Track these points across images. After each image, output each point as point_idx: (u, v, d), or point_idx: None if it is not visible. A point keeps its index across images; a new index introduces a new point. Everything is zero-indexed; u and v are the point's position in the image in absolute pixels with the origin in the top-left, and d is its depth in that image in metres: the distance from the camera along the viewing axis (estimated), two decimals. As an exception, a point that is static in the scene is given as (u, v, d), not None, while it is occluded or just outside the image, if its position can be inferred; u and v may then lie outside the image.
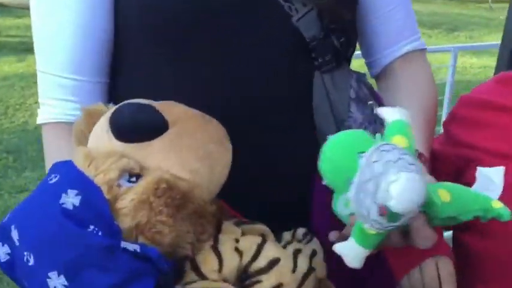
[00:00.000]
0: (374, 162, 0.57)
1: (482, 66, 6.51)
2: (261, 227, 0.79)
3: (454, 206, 0.64)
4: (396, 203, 0.56)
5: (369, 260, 0.66)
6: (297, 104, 0.88)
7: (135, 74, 0.88)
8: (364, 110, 0.89)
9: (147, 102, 0.73)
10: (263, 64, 0.85)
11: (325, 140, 0.86)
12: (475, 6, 12.81)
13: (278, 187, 0.87)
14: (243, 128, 0.81)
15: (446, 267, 0.83)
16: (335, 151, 0.62)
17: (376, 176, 0.57)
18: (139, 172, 0.69)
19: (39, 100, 0.91)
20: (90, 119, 0.77)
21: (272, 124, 0.86)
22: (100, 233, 0.63)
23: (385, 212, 0.57)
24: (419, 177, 0.57)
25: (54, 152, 0.88)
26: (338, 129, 0.85)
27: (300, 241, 0.81)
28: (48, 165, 0.86)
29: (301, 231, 0.83)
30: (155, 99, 0.75)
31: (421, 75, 0.98)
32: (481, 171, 0.68)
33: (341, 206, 0.62)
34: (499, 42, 2.23)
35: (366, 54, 1.00)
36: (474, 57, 6.89)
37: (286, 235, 0.82)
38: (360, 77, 0.92)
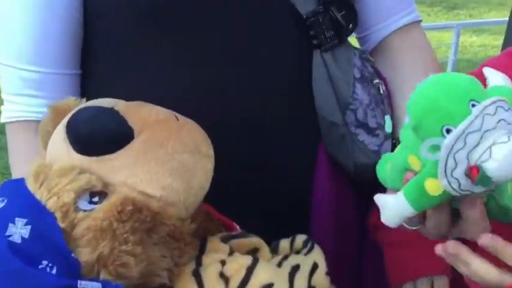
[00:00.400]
0: (487, 115, 0.52)
1: (482, 45, 6.39)
2: (253, 240, 0.70)
3: None
4: (496, 166, 0.51)
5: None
6: (296, 89, 0.80)
7: (110, 63, 0.78)
8: (370, 90, 0.82)
9: (111, 104, 0.62)
10: (256, 46, 0.77)
11: (328, 127, 0.79)
12: (473, -17, 12.65)
13: (277, 185, 0.80)
14: (234, 117, 0.74)
15: (440, 284, 0.78)
16: (441, 92, 0.54)
17: (485, 130, 0.52)
18: (103, 190, 0.59)
19: (2, 96, 0.80)
20: (58, 117, 0.66)
21: (269, 114, 0.78)
22: (54, 269, 0.55)
23: (476, 172, 0.51)
24: None
25: (18, 157, 0.79)
26: (343, 115, 0.79)
27: (299, 251, 0.72)
28: (13, 172, 0.78)
29: (300, 238, 0.74)
30: (133, 91, 0.67)
31: (421, 47, 0.91)
32: None
33: (424, 150, 0.54)
34: (501, 19, 2.12)
35: (360, 28, 0.91)
36: (474, 35, 6.77)
37: (284, 244, 0.73)
38: (362, 53, 0.85)
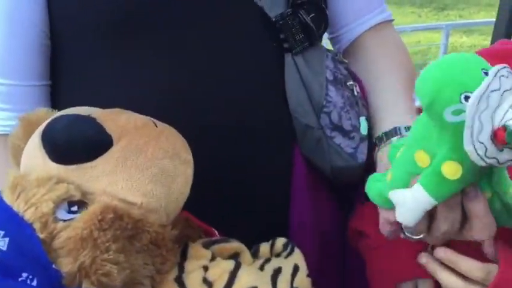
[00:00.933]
0: (502, 77, 0.52)
1: (472, 45, 6.41)
2: (235, 245, 0.69)
3: None
4: None
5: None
6: (270, 92, 0.79)
7: (80, 73, 0.77)
8: (344, 92, 0.81)
9: (87, 112, 0.62)
10: (225, 52, 0.76)
11: (303, 130, 0.79)
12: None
13: (254, 189, 0.79)
14: (208, 125, 0.73)
15: None
16: (452, 65, 0.55)
17: (504, 90, 0.52)
18: (82, 199, 0.58)
19: None
20: (29, 129, 0.65)
21: (244, 117, 0.77)
22: (35, 282, 0.54)
23: (503, 134, 0.50)
24: None
25: None
26: (318, 117, 0.78)
27: (279, 254, 0.72)
28: None
29: (280, 242, 0.73)
30: (104, 101, 0.65)
31: (394, 45, 0.90)
32: None
33: (448, 114, 0.53)
34: (489, 20, 2.13)
35: (331, 29, 0.91)
36: (464, 36, 6.80)
37: (264, 248, 0.73)
38: (335, 55, 0.84)
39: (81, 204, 0.58)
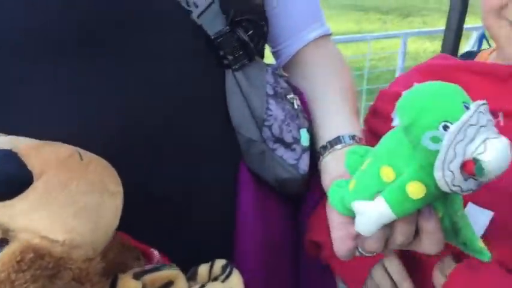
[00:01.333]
0: (480, 112, 0.55)
1: (435, 51, 6.53)
2: (168, 273, 0.67)
3: (463, 219, 0.64)
4: (491, 157, 0.53)
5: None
6: (212, 108, 0.80)
7: (6, 102, 0.72)
8: (285, 105, 0.82)
9: (8, 145, 0.59)
10: (165, 70, 0.74)
11: (247, 144, 0.80)
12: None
13: (200, 206, 0.79)
14: (150, 144, 0.72)
15: (393, 267, 0.81)
16: (436, 93, 0.58)
17: (480, 126, 0.55)
18: (4, 236, 0.56)
19: None
20: None
21: (185, 138, 0.77)
22: None
23: (472, 166, 0.54)
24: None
25: None
26: (260, 131, 0.79)
27: (216, 278, 0.71)
28: None
29: (219, 263, 0.73)
30: (31, 129, 0.63)
31: (333, 59, 0.93)
32: (471, 208, 0.70)
33: (426, 139, 0.56)
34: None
35: (271, 43, 0.93)
36: (427, 41, 6.93)
37: (202, 270, 0.72)
38: (275, 69, 0.85)
39: (3, 241, 0.56)
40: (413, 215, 0.61)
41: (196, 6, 0.76)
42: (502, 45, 0.80)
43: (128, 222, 0.64)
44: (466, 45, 4.02)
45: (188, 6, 0.75)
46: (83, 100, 0.71)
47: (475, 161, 0.54)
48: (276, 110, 0.80)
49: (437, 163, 0.55)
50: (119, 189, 0.63)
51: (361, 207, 0.61)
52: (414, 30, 5.81)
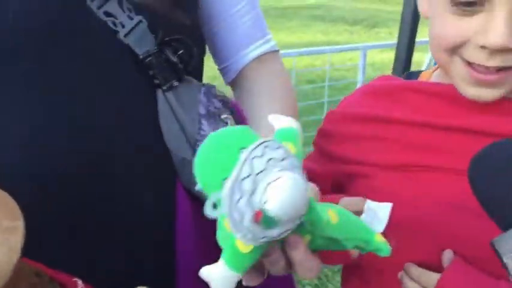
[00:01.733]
0: (255, 158, 0.50)
1: (401, 61, 6.62)
2: None
3: (340, 229, 0.59)
4: (274, 205, 0.49)
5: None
6: (144, 128, 0.79)
7: None
8: (218, 125, 0.82)
9: None
10: (93, 91, 0.75)
11: (181, 163, 0.79)
12: (395, 2, 13.16)
13: (135, 231, 0.78)
14: (81, 168, 0.72)
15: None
16: (213, 146, 0.54)
17: (256, 173, 0.50)
18: None
19: None
20: None
21: (119, 160, 0.76)
22: None
23: (260, 217, 0.50)
24: (304, 182, 0.52)
25: None
26: (193, 150, 0.78)
27: None
28: None
29: None
30: None
31: (277, 75, 0.93)
32: (369, 205, 0.66)
33: (209, 208, 0.52)
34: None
35: (217, 61, 0.94)
36: (393, 53, 7.02)
37: None
38: (209, 89, 0.85)
39: None
40: (276, 253, 0.58)
41: (123, 26, 0.76)
42: (457, 84, 0.77)
43: (53, 250, 0.64)
44: (426, 58, 4.10)
45: (115, 26, 0.76)
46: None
47: (263, 211, 0.50)
48: (208, 130, 0.80)
49: (231, 226, 0.51)
50: (17, 224, 0.59)
51: (207, 273, 0.56)
52: (373, 43, 5.91)
